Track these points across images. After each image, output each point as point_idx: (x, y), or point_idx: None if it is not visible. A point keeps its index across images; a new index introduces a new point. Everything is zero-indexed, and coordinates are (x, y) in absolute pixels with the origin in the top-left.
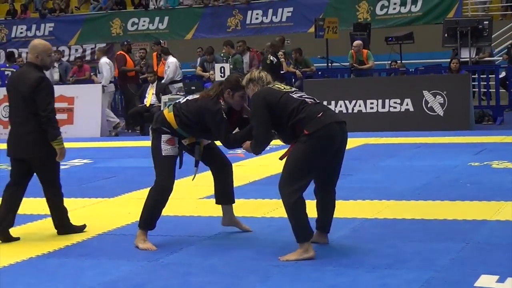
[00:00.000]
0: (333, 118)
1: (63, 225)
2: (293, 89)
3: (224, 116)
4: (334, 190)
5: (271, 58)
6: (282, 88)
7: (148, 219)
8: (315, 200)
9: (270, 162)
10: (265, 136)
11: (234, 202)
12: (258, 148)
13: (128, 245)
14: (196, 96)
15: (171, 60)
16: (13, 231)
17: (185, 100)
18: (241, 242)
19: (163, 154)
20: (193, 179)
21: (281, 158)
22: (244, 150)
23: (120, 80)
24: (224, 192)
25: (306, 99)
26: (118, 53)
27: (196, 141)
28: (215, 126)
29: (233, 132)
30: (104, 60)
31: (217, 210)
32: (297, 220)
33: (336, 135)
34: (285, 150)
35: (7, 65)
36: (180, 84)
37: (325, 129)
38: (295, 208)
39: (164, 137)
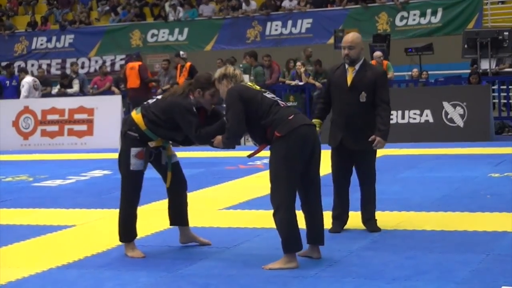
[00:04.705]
0: (303, 121)
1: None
2: (264, 90)
3: (195, 111)
4: (320, 201)
5: None
6: (254, 87)
7: (125, 232)
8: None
9: None
10: (238, 128)
11: (188, 224)
12: (230, 141)
13: (147, 256)
14: (165, 94)
15: (26, 79)
16: (32, 243)
17: (154, 99)
18: (260, 253)
19: (131, 169)
20: (168, 186)
21: (249, 156)
22: (215, 146)
23: (142, 91)
24: (179, 213)
25: (278, 100)
26: (141, 63)
27: (162, 145)
28: (185, 122)
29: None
30: (26, 79)
31: (236, 222)
32: (285, 231)
33: (308, 135)
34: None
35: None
36: None
37: (296, 131)
38: (285, 219)
39: (134, 151)
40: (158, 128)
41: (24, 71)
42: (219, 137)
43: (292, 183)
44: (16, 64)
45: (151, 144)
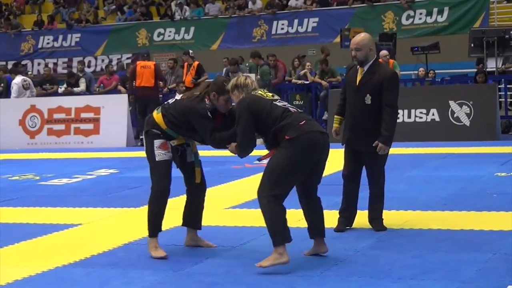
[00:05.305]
0: (315, 128)
1: None
2: (277, 97)
3: (209, 115)
4: (317, 195)
5: None
6: (266, 95)
7: (154, 226)
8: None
9: None
10: (248, 143)
11: (200, 229)
12: (242, 154)
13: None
14: (183, 95)
15: (15, 80)
16: (38, 241)
17: (174, 100)
18: (266, 253)
19: (157, 160)
20: (196, 180)
21: (259, 160)
22: (229, 151)
23: (155, 89)
24: (194, 215)
25: (289, 107)
26: (155, 63)
27: (185, 142)
28: (200, 125)
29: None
30: (15, 80)
31: (242, 221)
32: (273, 223)
33: (318, 142)
34: (265, 153)
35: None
36: None
37: (307, 136)
38: (272, 211)
39: (157, 143)
40: (178, 129)
41: (14, 72)
42: (233, 144)
43: (285, 183)
44: (23, 63)
45: (173, 143)
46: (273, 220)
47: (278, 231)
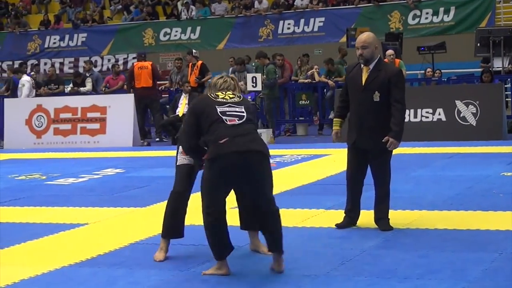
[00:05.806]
0: (235, 148)
1: None
2: (235, 99)
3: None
4: (270, 209)
5: None
6: (224, 97)
7: (168, 227)
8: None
9: (302, 171)
10: (188, 144)
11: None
12: (185, 152)
13: None
14: None
15: (26, 78)
16: (44, 241)
17: None
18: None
19: (178, 164)
20: None
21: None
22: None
23: (154, 90)
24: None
25: (225, 118)
26: (152, 63)
27: None
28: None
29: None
30: (26, 78)
31: None
32: (212, 239)
33: (236, 165)
34: None
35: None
36: None
37: (221, 159)
38: (211, 228)
39: (180, 149)
40: None
41: (20, 72)
42: None
43: (215, 199)
44: (29, 63)
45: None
46: (212, 237)
47: (217, 248)
